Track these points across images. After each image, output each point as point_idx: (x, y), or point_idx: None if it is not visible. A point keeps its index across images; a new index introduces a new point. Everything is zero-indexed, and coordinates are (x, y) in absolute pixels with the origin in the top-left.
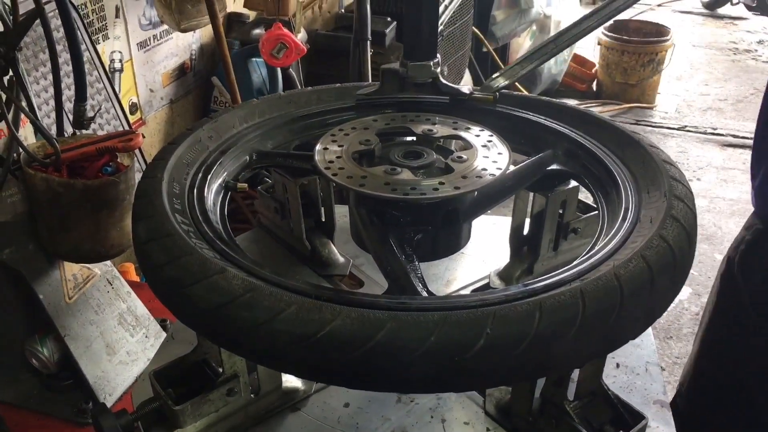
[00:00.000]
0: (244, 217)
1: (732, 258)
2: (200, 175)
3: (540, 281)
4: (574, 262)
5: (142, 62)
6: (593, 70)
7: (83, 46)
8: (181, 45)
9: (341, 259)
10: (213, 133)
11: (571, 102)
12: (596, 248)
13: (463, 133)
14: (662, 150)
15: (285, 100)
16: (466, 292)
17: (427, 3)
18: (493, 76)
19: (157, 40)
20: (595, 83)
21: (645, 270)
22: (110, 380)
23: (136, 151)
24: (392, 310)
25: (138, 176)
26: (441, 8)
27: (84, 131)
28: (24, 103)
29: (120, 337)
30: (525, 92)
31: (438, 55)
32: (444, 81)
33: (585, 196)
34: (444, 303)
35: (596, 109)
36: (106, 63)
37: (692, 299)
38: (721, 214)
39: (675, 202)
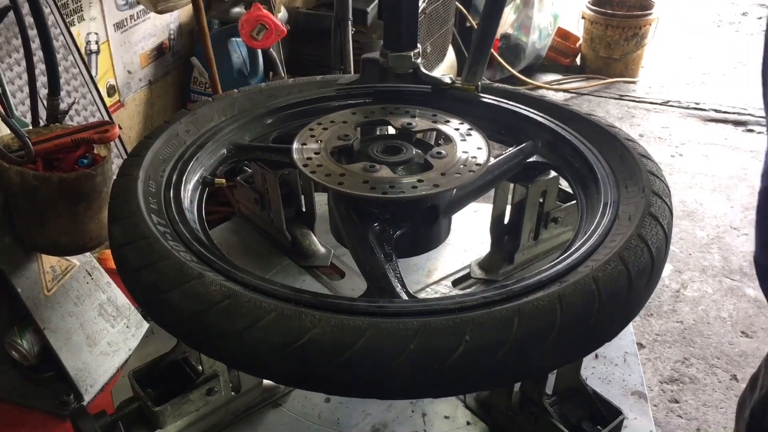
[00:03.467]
0: (225, 199)
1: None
2: (176, 171)
3: (519, 282)
4: (553, 262)
5: (119, 43)
6: (577, 45)
7: (57, 30)
8: (159, 25)
9: (322, 250)
10: (191, 127)
11: (555, 76)
12: (575, 246)
13: (442, 127)
14: (639, 144)
15: (266, 93)
16: (447, 282)
17: None
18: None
19: (134, 21)
20: (579, 57)
21: (623, 272)
22: (91, 372)
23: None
24: (371, 316)
25: (117, 163)
26: None
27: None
28: None
29: (100, 328)
30: (509, 67)
31: (419, 45)
32: (425, 71)
33: (565, 184)
34: (423, 307)
35: (580, 84)
36: (82, 45)
37: (673, 276)
38: (702, 190)
39: (653, 198)
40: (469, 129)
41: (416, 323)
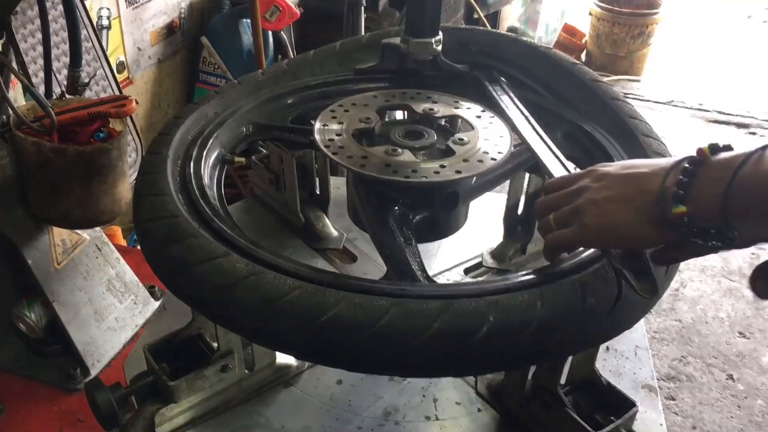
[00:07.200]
0: (232, 181)
1: None
2: (196, 149)
3: (541, 270)
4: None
5: (130, 20)
6: (583, 41)
7: None
8: (170, 3)
9: (335, 233)
10: (219, 108)
11: None
12: None
13: (463, 113)
14: (655, 139)
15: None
16: (459, 270)
17: None
18: None
19: None
20: (584, 54)
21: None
22: (98, 346)
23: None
24: (394, 297)
25: (128, 141)
26: None
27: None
28: (15, 66)
29: (108, 304)
30: None
31: (440, 33)
32: (444, 59)
33: None
34: (445, 291)
35: None
36: (94, 20)
37: None
38: None
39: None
40: (491, 117)
41: (440, 304)
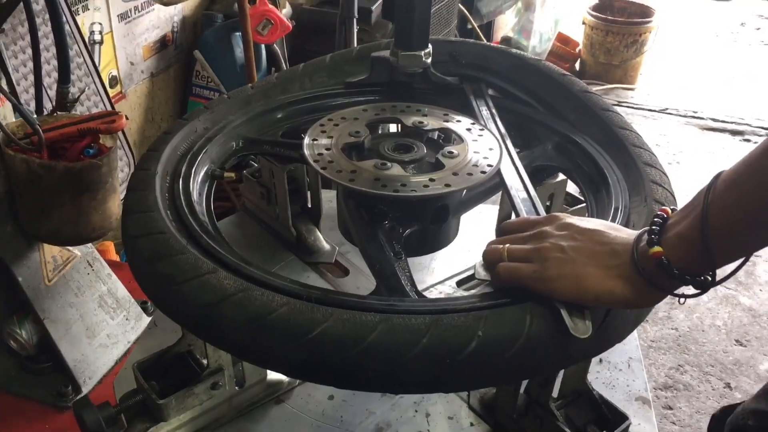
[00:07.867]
0: (225, 194)
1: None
2: (185, 164)
3: None
4: None
5: (122, 34)
6: (577, 50)
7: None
8: (162, 17)
9: (327, 247)
10: (208, 123)
11: None
12: None
13: (453, 126)
14: (645, 149)
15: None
16: (451, 283)
17: None
18: None
19: (138, 12)
20: (578, 63)
21: None
22: (90, 363)
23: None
24: (382, 313)
25: (119, 154)
26: None
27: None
28: (4, 84)
29: (100, 320)
30: None
31: (429, 45)
32: (434, 72)
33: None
34: (434, 307)
35: None
36: (86, 35)
37: None
38: None
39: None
40: (481, 129)
41: (428, 319)
